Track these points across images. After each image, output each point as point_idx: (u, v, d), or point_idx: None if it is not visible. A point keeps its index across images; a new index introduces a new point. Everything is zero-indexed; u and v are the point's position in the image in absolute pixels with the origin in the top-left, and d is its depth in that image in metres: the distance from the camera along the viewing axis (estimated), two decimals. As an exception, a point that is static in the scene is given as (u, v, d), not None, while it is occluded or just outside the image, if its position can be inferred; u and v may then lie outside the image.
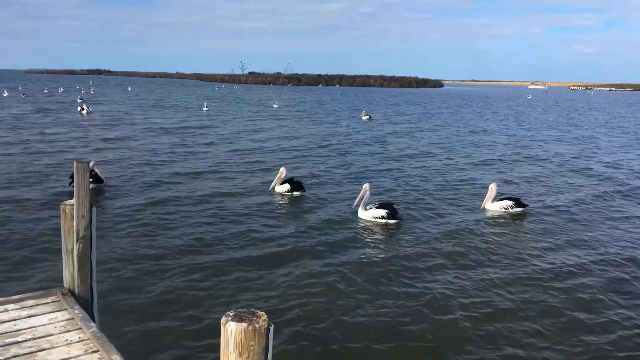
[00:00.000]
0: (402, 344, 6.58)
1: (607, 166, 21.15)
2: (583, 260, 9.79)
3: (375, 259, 9.52)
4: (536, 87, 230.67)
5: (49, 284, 7.00)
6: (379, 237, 10.94)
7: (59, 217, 10.27)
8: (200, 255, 9.27)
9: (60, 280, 5.27)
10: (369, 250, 10.11)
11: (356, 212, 12.26)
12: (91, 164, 14.65)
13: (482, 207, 13.61)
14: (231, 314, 2.63)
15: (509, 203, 13.21)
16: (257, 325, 2.56)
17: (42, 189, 13.89)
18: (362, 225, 11.67)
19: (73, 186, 14.15)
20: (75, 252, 4.92)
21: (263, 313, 2.66)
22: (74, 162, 4.79)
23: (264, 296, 7.71)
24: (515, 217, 12.92)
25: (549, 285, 8.53)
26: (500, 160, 21.79)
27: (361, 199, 12.14)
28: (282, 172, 14.78)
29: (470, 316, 7.36)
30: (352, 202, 12.81)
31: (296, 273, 8.61)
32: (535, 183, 17.29)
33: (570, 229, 11.95)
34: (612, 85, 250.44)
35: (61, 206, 4.96)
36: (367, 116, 40.12)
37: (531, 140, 29.59)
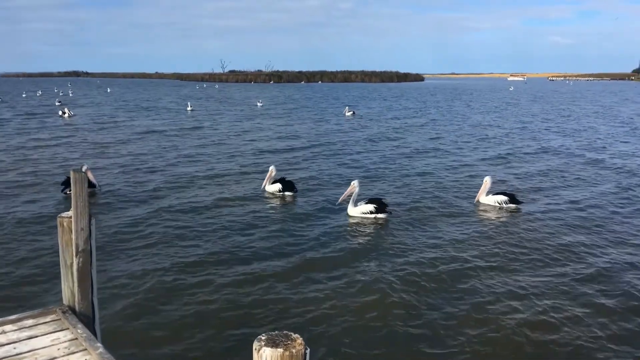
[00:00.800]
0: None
1: (615, 157, 20.93)
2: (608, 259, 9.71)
3: (389, 264, 9.34)
4: (515, 78, 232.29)
5: (46, 302, 6.71)
6: (382, 239, 10.76)
7: (50, 227, 10.15)
8: (205, 268, 8.82)
9: (58, 297, 5.00)
10: (381, 254, 9.91)
11: (345, 209, 12.20)
12: (84, 168, 14.29)
13: (475, 200, 13.54)
14: (264, 338, 2.42)
15: (504, 198, 13.08)
16: (293, 351, 2.36)
17: (31, 199, 13.32)
18: (354, 222, 11.60)
19: (66, 193, 13.74)
20: (75, 267, 4.66)
21: (298, 336, 2.46)
22: (71, 172, 4.53)
23: (281, 309, 7.38)
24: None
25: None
26: (509, 154, 21.46)
27: (348, 195, 12.03)
28: (272, 170, 14.53)
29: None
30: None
31: (315, 285, 8.18)
32: (551, 177, 16.98)
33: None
34: (589, 75, 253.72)
35: (58, 219, 4.69)
36: (351, 112, 39.89)
37: (532, 132, 29.41)
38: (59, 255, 4.45)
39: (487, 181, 13.50)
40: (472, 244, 10.25)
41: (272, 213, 12.45)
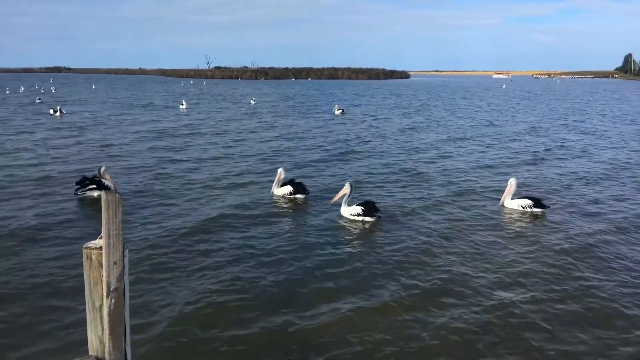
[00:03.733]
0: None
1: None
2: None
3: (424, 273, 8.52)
4: (500, 76, 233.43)
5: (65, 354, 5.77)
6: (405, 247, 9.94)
7: (63, 250, 9.00)
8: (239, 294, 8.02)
9: (81, 349, 4.09)
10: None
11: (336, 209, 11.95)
12: (102, 169, 13.28)
13: (500, 203, 12.90)
14: None
15: (528, 202, 12.43)
16: None
17: (34, 211, 11.63)
18: (345, 223, 11.25)
19: (80, 193, 12.28)
20: (106, 310, 3.75)
21: None
22: (103, 193, 3.62)
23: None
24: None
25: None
26: (530, 155, 20.58)
27: (341, 197, 11.74)
28: (280, 173, 13.68)
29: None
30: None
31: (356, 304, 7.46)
32: (584, 181, 16.10)
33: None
34: (573, 73, 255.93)
35: (84, 251, 3.77)
36: (340, 110, 38.82)
37: (546, 131, 28.59)
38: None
39: (511, 183, 12.81)
40: (498, 254, 9.47)
41: (284, 220, 11.58)
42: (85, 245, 3.81)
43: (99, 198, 12.78)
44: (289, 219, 11.66)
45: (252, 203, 12.82)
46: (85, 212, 11.84)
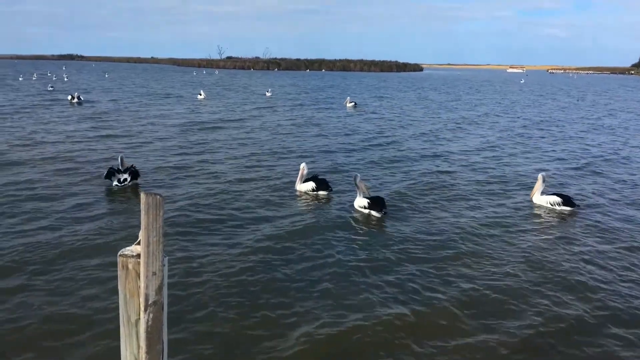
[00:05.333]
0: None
1: None
2: None
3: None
4: (515, 70, 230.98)
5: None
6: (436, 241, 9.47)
7: (94, 252, 8.46)
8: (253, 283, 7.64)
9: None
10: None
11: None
12: (122, 159, 13.07)
13: (530, 197, 12.76)
14: None
15: (557, 199, 12.07)
16: None
17: (64, 206, 11.07)
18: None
19: (119, 186, 11.84)
20: (143, 326, 3.33)
21: None
22: (142, 194, 3.19)
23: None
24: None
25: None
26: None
27: (359, 187, 11.62)
28: (303, 168, 13.27)
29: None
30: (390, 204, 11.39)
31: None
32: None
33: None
34: (588, 69, 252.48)
35: (120, 259, 3.34)
36: (352, 103, 37.80)
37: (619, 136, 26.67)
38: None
39: (539, 178, 12.56)
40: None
41: (304, 217, 11.14)
42: (120, 252, 3.38)
43: (126, 191, 12.66)
44: (309, 216, 11.22)
45: (275, 198, 12.44)
46: (114, 207, 11.38)
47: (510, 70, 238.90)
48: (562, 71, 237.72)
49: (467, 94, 57.53)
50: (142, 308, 3.31)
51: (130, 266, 3.33)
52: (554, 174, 16.01)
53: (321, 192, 12.86)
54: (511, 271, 8.35)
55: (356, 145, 20.46)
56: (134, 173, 12.87)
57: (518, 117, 33.08)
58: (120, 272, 3.36)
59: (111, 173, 12.76)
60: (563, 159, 18.74)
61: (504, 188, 14.13)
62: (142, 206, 3.19)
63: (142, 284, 3.28)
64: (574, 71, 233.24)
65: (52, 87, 46.49)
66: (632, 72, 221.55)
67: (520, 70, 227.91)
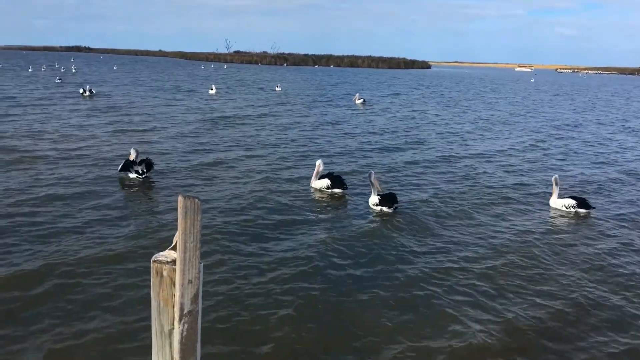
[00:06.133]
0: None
1: None
2: None
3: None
4: (523, 69, 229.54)
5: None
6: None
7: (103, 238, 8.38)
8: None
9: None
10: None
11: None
12: (132, 153, 12.91)
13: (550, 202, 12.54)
14: None
15: (572, 202, 11.91)
16: None
17: (82, 204, 10.69)
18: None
19: (140, 177, 11.73)
20: (177, 337, 3.12)
21: None
22: (180, 198, 2.98)
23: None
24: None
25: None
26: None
27: (373, 185, 11.54)
28: (319, 165, 13.07)
29: None
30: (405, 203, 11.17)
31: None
32: None
33: None
34: (597, 69, 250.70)
35: (153, 265, 3.14)
36: (361, 100, 37.33)
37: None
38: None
39: (553, 181, 12.39)
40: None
41: (317, 214, 10.93)
42: (154, 257, 3.17)
43: (137, 185, 12.48)
44: (324, 214, 11.01)
45: (288, 195, 12.25)
46: (134, 207, 11.11)
47: (518, 69, 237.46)
48: (571, 71, 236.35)
49: (483, 93, 57.10)
50: (177, 318, 3.11)
51: (165, 273, 3.12)
52: (599, 178, 15.69)
53: (336, 190, 12.64)
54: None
55: (374, 144, 20.13)
56: (149, 164, 12.83)
57: (546, 119, 32.32)
58: (153, 279, 3.16)
59: (128, 165, 12.67)
60: (604, 163, 18.31)
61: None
62: (180, 210, 2.98)
63: (177, 292, 3.08)
64: (583, 71, 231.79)
65: (60, 79, 46.03)
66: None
67: (529, 70, 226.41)
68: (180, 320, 3.11)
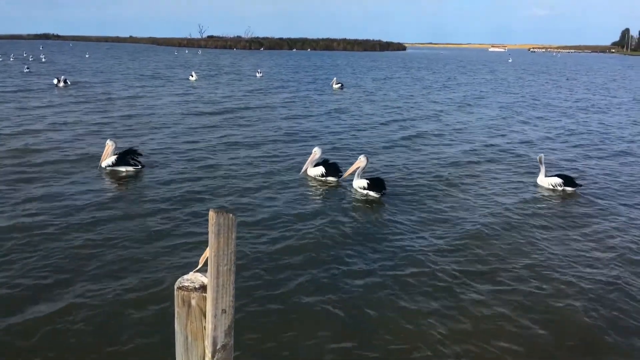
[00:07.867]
0: None
1: None
2: None
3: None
4: (497, 49, 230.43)
5: None
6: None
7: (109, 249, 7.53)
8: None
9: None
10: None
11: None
12: (110, 144, 12.31)
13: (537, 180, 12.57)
14: None
15: (558, 181, 11.89)
16: None
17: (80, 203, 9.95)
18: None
19: (107, 167, 11.30)
20: (210, 375, 2.65)
21: None
22: (211, 212, 2.48)
23: None
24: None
25: None
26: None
27: (354, 170, 11.42)
28: (316, 152, 12.58)
29: None
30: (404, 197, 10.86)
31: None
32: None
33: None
34: (570, 47, 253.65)
35: (179, 293, 2.64)
36: (339, 84, 36.45)
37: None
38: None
39: (538, 159, 12.44)
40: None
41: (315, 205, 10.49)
42: (178, 283, 2.68)
43: (129, 177, 11.79)
44: (316, 203, 10.57)
45: (278, 183, 11.82)
46: (133, 208, 10.42)
47: (492, 49, 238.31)
48: (544, 50, 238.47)
49: (461, 74, 57.19)
50: (209, 354, 2.64)
51: (193, 302, 2.64)
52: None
53: (330, 178, 12.18)
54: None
55: (360, 127, 19.86)
56: (137, 153, 12.52)
57: (533, 100, 32.43)
58: (179, 310, 2.67)
59: (122, 158, 12.19)
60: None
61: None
62: (212, 228, 2.49)
63: (209, 325, 2.60)
64: (556, 50, 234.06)
65: (28, 68, 43.67)
66: (613, 50, 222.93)
67: (502, 50, 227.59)
68: (213, 356, 2.63)
